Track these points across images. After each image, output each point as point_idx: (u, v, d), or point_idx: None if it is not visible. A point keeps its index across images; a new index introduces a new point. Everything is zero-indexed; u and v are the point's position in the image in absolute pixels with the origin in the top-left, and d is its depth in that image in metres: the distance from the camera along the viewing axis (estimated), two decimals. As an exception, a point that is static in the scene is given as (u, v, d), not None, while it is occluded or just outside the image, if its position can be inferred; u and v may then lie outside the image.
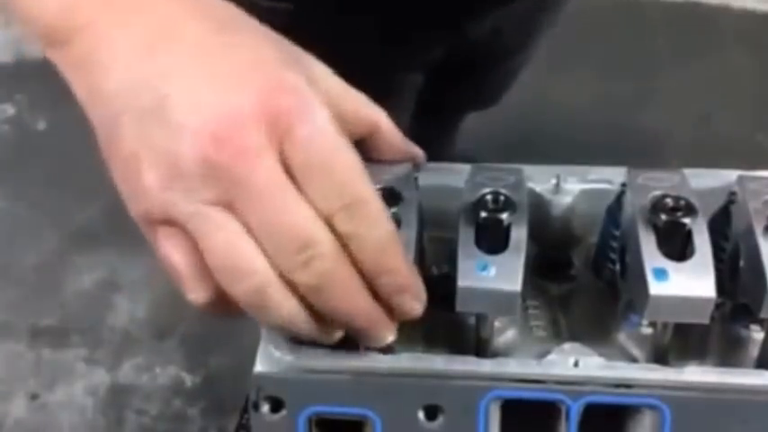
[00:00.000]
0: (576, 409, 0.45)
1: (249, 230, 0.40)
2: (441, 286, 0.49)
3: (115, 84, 0.42)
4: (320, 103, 0.41)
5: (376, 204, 0.42)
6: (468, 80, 0.96)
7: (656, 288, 0.43)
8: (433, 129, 1.07)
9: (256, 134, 0.40)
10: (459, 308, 0.45)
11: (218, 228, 0.40)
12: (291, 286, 0.42)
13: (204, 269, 0.42)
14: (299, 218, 0.40)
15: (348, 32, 0.65)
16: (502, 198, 0.47)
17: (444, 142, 1.14)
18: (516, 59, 0.98)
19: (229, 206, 0.40)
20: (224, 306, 0.43)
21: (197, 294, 0.43)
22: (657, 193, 0.47)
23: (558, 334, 0.52)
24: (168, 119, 0.40)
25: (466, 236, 0.46)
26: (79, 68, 0.43)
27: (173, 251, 0.42)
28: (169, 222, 0.41)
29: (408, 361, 0.46)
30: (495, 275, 0.44)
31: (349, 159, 0.41)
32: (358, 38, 0.67)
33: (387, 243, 0.42)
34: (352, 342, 0.46)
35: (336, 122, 0.41)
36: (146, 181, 0.41)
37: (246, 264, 0.41)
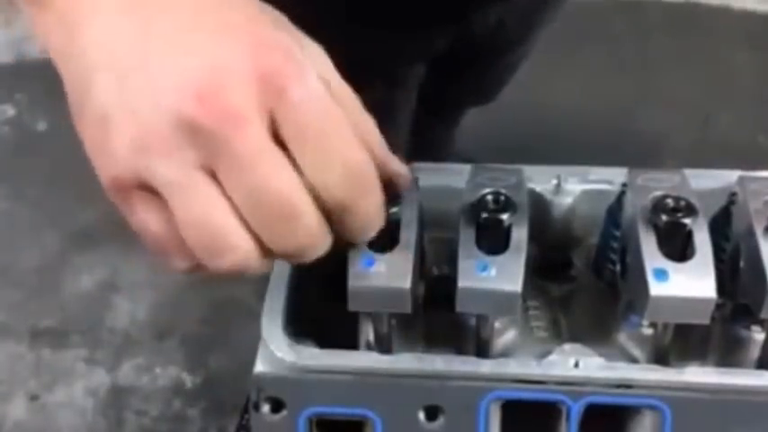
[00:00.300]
0: (576, 410, 0.45)
1: (229, 200, 0.38)
2: (441, 287, 0.49)
3: (93, 38, 0.38)
4: (311, 66, 0.39)
5: (372, 173, 0.40)
6: (469, 73, 0.96)
7: (656, 288, 0.43)
8: (433, 126, 1.08)
9: (245, 95, 0.37)
10: (459, 308, 0.45)
11: (194, 197, 0.38)
12: (269, 253, 0.40)
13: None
14: (286, 186, 0.38)
15: (354, 24, 0.65)
16: (502, 199, 0.47)
17: (444, 140, 1.14)
18: (517, 52, 0.98)
19: (209, 172, 0.37)
20: (205, 270, 0.41)
21: (179, 264, 0.41)
22: (658, 193, 0.47)
23: (559, 334, 0.52)
24: (148, 74, 0.37)
25: (466, 236, 0.46)
26: (57, 24, 0.39)
27: (150, 221, 0.39)
28: (143, 187, 0.38)
29: (409, 361, 0.46)
30: (495, 276, 0.44)
31: (344, 125, 0.39)
32: (364, 29, 0.67)
33: (377, 212, 0.42)
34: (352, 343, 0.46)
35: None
36: (117, 142, 0.37)
37: (226, 238, 0.38)
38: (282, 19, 0.41)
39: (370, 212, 0.41)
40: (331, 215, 0.40)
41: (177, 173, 0.37)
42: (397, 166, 0.45)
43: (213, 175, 0.38)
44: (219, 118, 0.36)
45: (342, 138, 0.39)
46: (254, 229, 0.38)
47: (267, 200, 0.38)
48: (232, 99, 0.36)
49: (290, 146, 0.38)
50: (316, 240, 0.40)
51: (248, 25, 0.38)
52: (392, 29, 0.73)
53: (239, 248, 0.39)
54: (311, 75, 0.38)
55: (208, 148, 0.37)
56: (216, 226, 0.38)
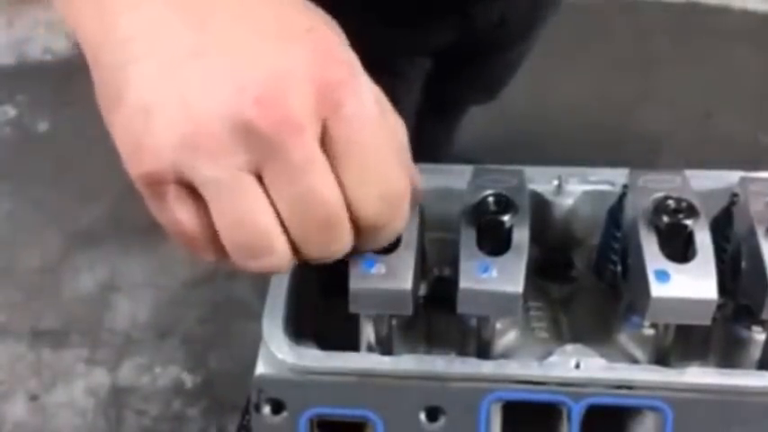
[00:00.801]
0: (577, 411, 0.45)
1: (272, 203, 0.38)
2: (442, 288, 0.49)
3: (135, 27, 0.37)
4: (367, 81, 0.39)
5: (407, 199, 0.41)
6: (469, 69, 0.96)
7: (657, 290, 0.43)
8: (434, 126, 1.07)
9: (303, 102, 0.36)
10: (460, 309, 0.45)
11: (239, 199, 0.37)
12: (299, 257, 0.40)
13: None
14: (331, 197, 0.38)
15: (354, 14, 0.65)
16: (503, 200, 0.47)
17: (445, 140, 1.14)
18: (518, 49, 0.98)
19: (255, 175, 0.37)
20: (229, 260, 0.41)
21: (210, 256, 0.40)
22: (659, 194, 0.47)
23: (560, 335, 0.52)
24: (201, 70, 0.36)
25: (467, 237, 0.46)
26: (92, 11, 0.38)
27: (184, 218, 0.38)
28: (180, 183, 0.38)
29: (410, 363, 0.46)
30: (496, 277, 0.44)
31: (391, 148, 0.39)
32: (364, 19, 0.67)
33: (400, 231, 0.43)
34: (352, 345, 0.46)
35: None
36: (161, 137, 0.36)
37: (267, 242, 0.38)
38: (335, 25, 0.40)
39: (395, 232, 0.42)
40: (357, 227, 0.40)
41: (224, 173, 0.37)
42: (417, 181, 0.45)
43: (259, 178, 0.37)
44: (278, 124, 0.36)
45: (386, 161, 0.39)
46: (292, 233, 0.39)
47: (312, 208, 0.38)
48: (291, 106, 0.36)
49: (335, 159, 0.38)
50: (344, 248, 0.41)
51: (311, 32, 0.38)
52: (392, 23, 0.73)
53: (276, 252, 0.39)
54: (368, 93, 0.38)
55: (259, 152, 0.36)
56: (258, 229, 0.38)
